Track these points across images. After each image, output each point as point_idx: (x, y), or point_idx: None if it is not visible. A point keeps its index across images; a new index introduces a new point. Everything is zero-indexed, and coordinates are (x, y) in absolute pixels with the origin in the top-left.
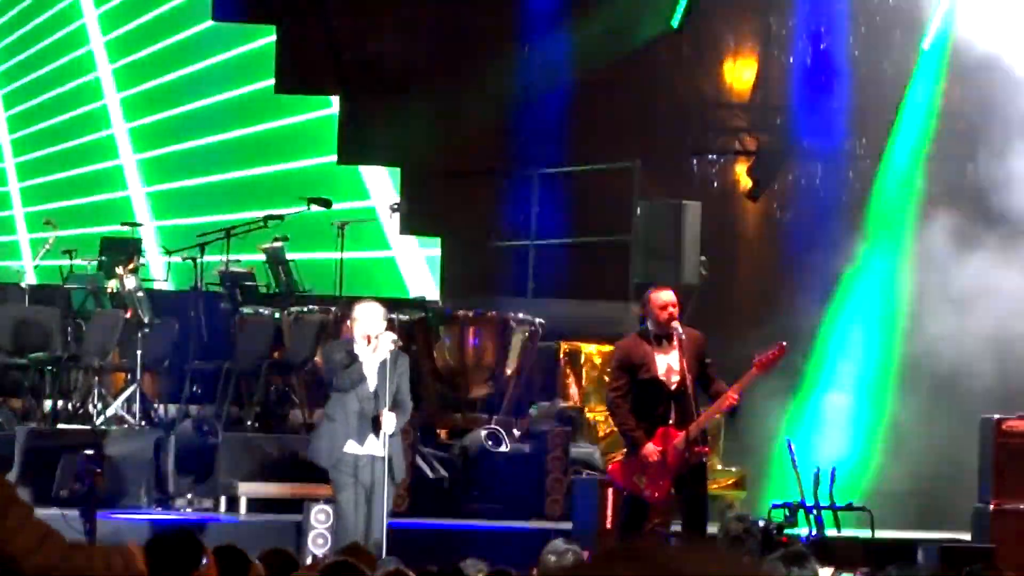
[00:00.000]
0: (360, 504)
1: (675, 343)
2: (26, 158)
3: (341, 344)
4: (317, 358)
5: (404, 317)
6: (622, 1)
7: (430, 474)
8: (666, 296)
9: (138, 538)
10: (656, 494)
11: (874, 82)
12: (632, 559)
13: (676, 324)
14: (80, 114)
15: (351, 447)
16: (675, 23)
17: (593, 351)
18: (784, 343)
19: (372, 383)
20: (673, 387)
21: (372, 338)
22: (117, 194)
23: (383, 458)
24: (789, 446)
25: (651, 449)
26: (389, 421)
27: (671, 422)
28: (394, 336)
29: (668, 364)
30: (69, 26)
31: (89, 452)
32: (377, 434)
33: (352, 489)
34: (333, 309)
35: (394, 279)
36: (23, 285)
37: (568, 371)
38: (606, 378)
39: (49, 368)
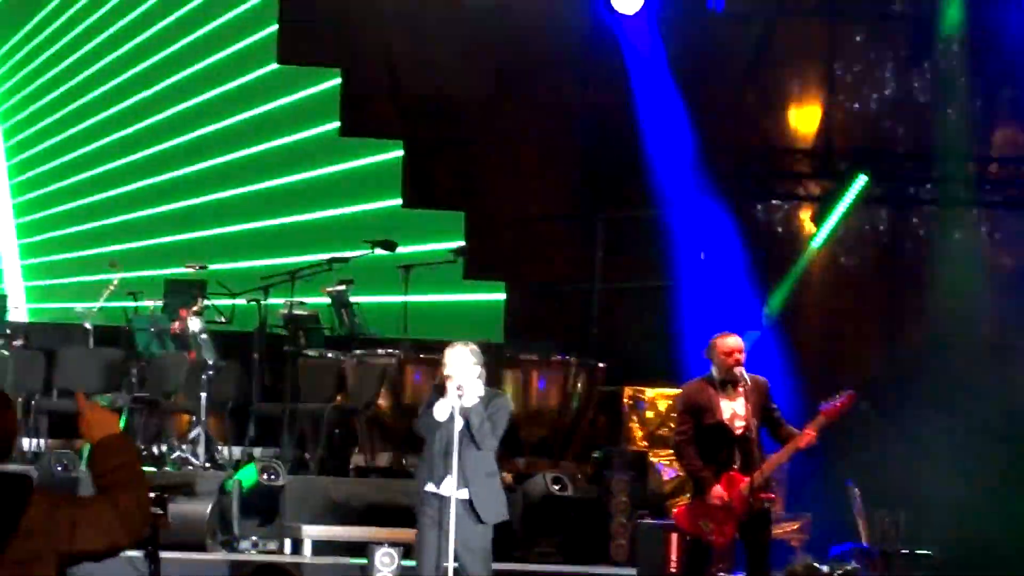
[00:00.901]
0: (440, 547)
1: (740, 389)
2: (90, 200)
3: (435, 391)
4: (381, 401)
5: None
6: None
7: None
8: (732, 342)
9: None
10: (721, 539)
11: (940, 127)
12: None
13: (741, 370)
14: (144, 156)
15: (430, 487)
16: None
17: (657, 395)
18: (853, 392)
19: (458, 423)
20: (738, 432)
21: (452, 382)
22: (182, 236)
23: (461, 502)
24: (853, 491)
25: (719, 491)
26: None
27: (735, 467)
28: (460, 382)
29: (733, 409)
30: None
31: (152, 495)
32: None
33: (431, 530)
34: (397, 352)
35: (458, 323)
36: (87, 326)
37: (632, 415)
38: (671, 424)
39: (113, 410)
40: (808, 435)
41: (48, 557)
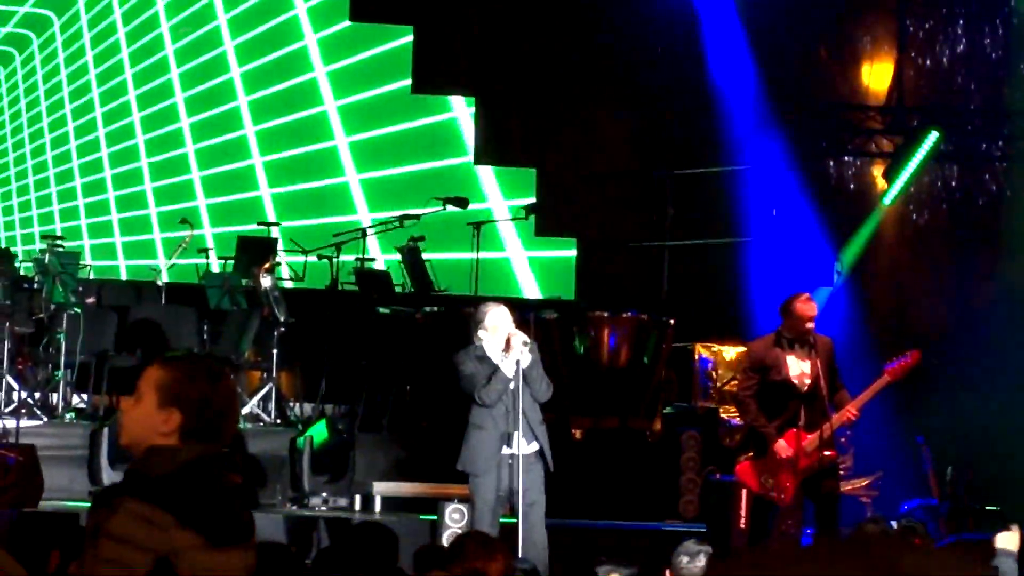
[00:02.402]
0: (497, 504)
1: (807, 347)
2: (160, 158)
3: (470, 353)
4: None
5: (540, 317)
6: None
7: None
8: (810, 309)
9: (274, 533)
10: (783, 496)
11: (1012, 84)
12: (848, 555)
13: (810, 327)
14: (214, 115)
15: (489, 444)
16: None
17: (728, 351)
18: (918, 350)
19: (513, 382)
20: (804, 390)
21: (506, 340)
22: (251, 194)
23: (529, 455)
24: (922, 446)
25: (783, 446)
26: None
27: (801, 424)
28: (525, 336)
29: (800, 367)
30: (201, 28)
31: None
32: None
33: (494, 491)
34: (469, 308)
35: (529, 279)
36: (159, 284)
37: (703, 371)
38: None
39: None
40: (848, 413)
41: None
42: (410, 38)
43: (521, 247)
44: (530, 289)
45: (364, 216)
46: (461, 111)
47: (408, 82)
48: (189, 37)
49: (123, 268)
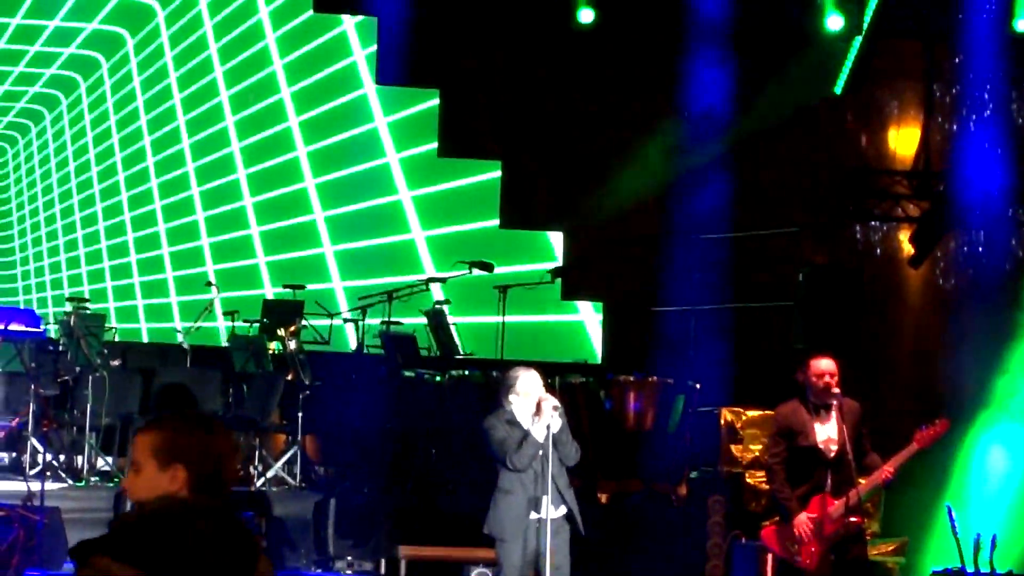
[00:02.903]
0: (525, 570)
1: (833, 411)
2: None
3: (500, 418)
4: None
5: (566, 381)
6: (786, 69)
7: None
8: (825, 365)
9: None
10: (807, 561)
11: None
12: None
13: (836, 391)
14: (244, 175)
15: (518, 509)
16: (838, 89)
17: (754, 416)
18: (947, 419)
19: (539, 445)
20: (831, 456)
21: (537, 404)
22: (279, 256)
23: (557, 519)
24: (949, 512)
25: (802, 520)
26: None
27: (827, 490)
28: (555, 401)
29: (827, 433)
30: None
31: (249, 514)
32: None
33: (521, 556)
34: (495, 373)
35: (555, 343)
36: (185, 347)
37: (729, 436)
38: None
39: None
40: (885, 472)
41: None
42: (436, 101)
43: (547, 311)
44: (556, 353)
45: (390, 279)
46: (490, 174)
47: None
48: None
49: (144, 331)
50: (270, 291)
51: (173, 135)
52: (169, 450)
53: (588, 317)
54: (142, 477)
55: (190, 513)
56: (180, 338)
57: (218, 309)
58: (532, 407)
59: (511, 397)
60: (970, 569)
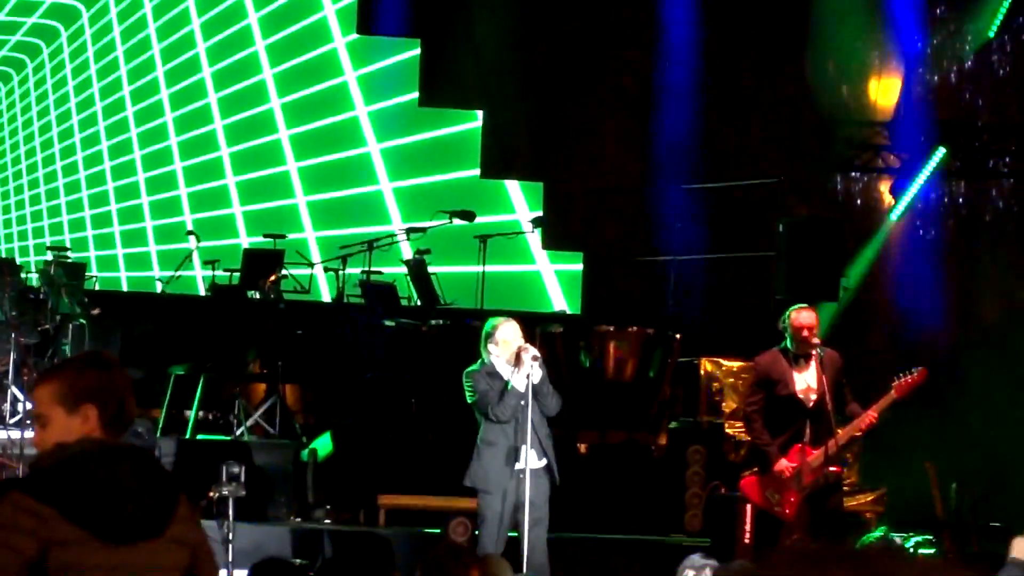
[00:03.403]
0: (505, 520)
1: (814, 362)
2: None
3: (481, 370)
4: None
5: (546, 331)
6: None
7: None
8: (805, 317)
9: (278, 545)
10: (787, 511)
11: (1020, 100)
12: (847, 563)
13: (816, 342)
14: (224, 125)
15: (499, 459)
16: (992, 33)
17: (734, 366)
18: (925, 368)
19: (524, 397)
20: (810, 405)
21: (517, 354)
22: (260, 206)
23: (538, 470)
24: (929, 464)
25: (784, 465)
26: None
27: (806, 440)
28: (535, 351)
29: (806, 382)
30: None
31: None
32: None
33: (501, 505)
34: (475, 322)
35: (535, 293)
36: (164, 296)
37: (709, 386)
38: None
39: (190, 379)
40: (869, 417)
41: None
42: (418, 51)
43: (528, 261)
44: (536, 303)
45: (370, 229)
46: (470, 124)
47: (416, 95)
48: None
49: (124, 280)
50: (246, 240)
51: (152, 86)
52: (76, 393)
53: (570, 266)
54: (52, 428)
55: (111, 454)
56: (160, 287)
57: (196, 259)
58: (512, 357)
59: (490, 347)
60: (949, 521)
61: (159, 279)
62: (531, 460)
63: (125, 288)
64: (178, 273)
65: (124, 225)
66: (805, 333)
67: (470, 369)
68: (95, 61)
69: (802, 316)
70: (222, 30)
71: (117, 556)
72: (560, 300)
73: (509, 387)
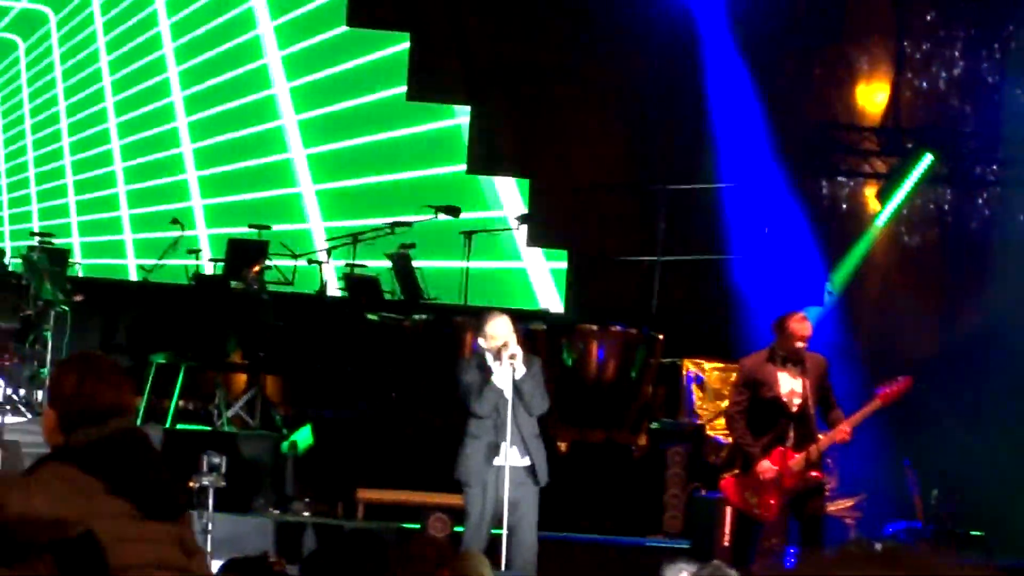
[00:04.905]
0: (487, 515)
1: (800, 366)
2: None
3: (472, 362)
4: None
5: (528, 328)
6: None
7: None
8: (805, 328)
9: (258, 537)
10: (766, 513)
11: (1009, 107)
12: (880, 561)
13: (802, 346)
14: (210, 115)
15: (483, 455)
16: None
17: (716, 368)
18: (910, 376)
19: (506, 393)
20: (794, 409)
21: (504, 350)
22: (245, 196)
23: (520, 468)
24: (908, 469)
25: (766, 466)
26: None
27: (789, 443)
28: (515, 350)
29: (791, 386)
30: (203, 26)
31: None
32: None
33: (482, 500)
34: (458, 317)
35: (519, 290)
36: (147, 284)
37: (691, 388)
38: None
39: (171, 368)
40: (842, 432)
41: None
42: (407, 45)
43: (513, 258)
44: (520, 301)
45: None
46: (457, 119)
47: (404, 89)
48: (186, 38)
49: (108, 267)
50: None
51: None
52: (49, 392)
53: (554, 264)
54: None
55: (146, 438)
56: (143, 275)
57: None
58: (496, 352)
59: (480, 340)
60: (927, 524)
61: (142, 267)
62: (512, 457)
63: (109, 276)
64: (162, 262)
65: (107, 213)
66: (800, 344)
67: (464, 359)
68: (81, 49)
69: (803, 327)
70: (224, 12)
71: (150, 531)
72: (546, 298)
73: (490, 384)
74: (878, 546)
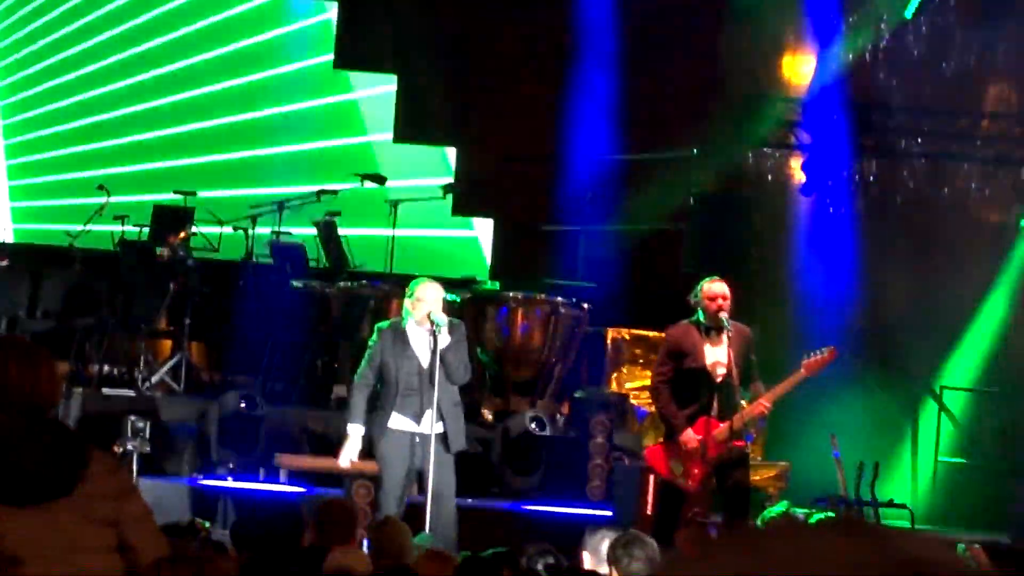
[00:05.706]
0: (404, 482)
1: (724, 335)
2: (80, 123)
3: (389, 330)
4: (364, 334)
5: (453, 297)
6: None
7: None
8: (718, 288)
9: (180, 502)
10: (691, 483)
11: (934, 81)
12: (853, 533)
13: (724, 316)
14: (136, 82)
15: (397, 422)
16: (908, 14)
17: (641, 337)
18: (835, 347)
19: (425, 360)
20: (718, 379)
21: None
22: (171, 163)
23: (437, 436)
24: (832, 440)
25: (690, 436)
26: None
27: (713, 413)
28: (441, 319)
29: (716, 356)
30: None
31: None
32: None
33: (399, 466)
34: (383, 286)
35: (444, 259)
36: (74, 250)
37: (614, 357)
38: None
39: (97, 333)
40: (761, 406)
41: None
42: (334, 13)
43: (438, 226)
44: (444, 269)
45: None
46: (384, 87)
47: (331, 57)
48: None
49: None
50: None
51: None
52: None
53: (480, 234)
54: None
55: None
56: (69, 241)
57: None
58: (423, 318)
59: (407, 301)
60: (850, 497)
61: (68, 233)
62: (426, 425)
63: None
64: (88, 227)
65: (37, 178)
66: (719, 302)
67: (380, 325)
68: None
69: (715, 286)
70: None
71: (27, 519)
72: (472, 266)
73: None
74: (801, 516)
